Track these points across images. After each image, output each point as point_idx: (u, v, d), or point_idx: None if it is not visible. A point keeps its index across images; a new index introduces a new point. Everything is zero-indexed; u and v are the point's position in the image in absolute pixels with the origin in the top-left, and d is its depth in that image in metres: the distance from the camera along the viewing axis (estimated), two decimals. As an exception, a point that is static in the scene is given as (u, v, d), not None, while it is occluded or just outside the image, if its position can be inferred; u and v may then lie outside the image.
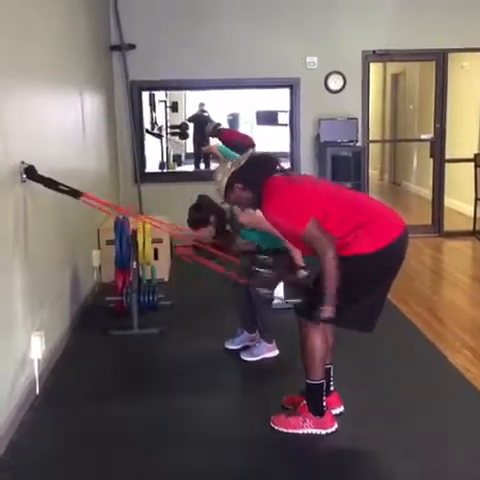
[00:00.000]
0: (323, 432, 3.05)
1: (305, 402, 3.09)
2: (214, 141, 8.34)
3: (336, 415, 3.15)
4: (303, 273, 3.71)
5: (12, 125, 3.27)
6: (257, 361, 3.98)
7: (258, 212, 3.71)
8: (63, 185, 3.58)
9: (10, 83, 3.30)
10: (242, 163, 3.06)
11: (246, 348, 4.09)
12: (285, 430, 3.07)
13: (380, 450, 2.96)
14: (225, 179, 3.05)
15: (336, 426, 3.07)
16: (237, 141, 9.10)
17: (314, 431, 3.05)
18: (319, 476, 2.81)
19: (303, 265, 3.74)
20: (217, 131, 7.88)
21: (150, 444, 3.03)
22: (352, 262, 2.86)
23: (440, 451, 2.94)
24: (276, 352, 4.04)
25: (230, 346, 4.17)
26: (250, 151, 3.18)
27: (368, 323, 3.03)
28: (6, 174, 3.18)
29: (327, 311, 2.84)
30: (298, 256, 3.73)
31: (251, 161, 3.08)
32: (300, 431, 3.05)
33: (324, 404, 3.07)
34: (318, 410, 3.06)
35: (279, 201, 2.95)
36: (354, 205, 3.00)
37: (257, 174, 3.03)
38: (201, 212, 3.95)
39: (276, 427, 3.10)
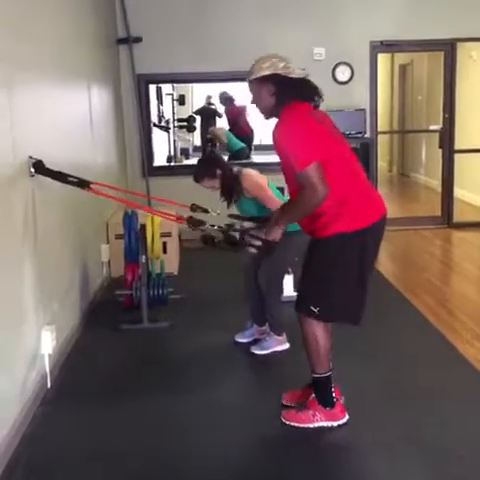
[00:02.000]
0: (335, 424, 3.05)
1: (314, 396, 3.08)
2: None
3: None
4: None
5: (20, 120, 3.26)
6: (267, 354, 3.98)
7: (260, 177, 3.87)
8: (71, 176, 3.57)
9: (17, 77, 3.30)
10: (291, 74, 2.94)
11: (256, 341, 4.09)
12: (296, 425, 3.07)
13: (386, 444, 2.93)
14: (266, 72, 2.90)
15: (347, 417, 3.07)
16: (237, 124, 9.02)
17: (325, 424, 3.04)
18: (322, 470, 2.80)
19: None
20: (228, 101, 7.69)
21: (161, 438, 3.04)
22: (333, 242, 2.87)
23: (449, 446, 2.91)
24: (286, 345, 4.03)
25: (240, 339, 4.16)
26: (305, 71, 3.07)
27: (353, 313, 2.99)
28: (15, 169, 3.18)
29: (273, 232, 2.89)
30: None
31: (300, 79, 2.97)
32: (311, 425, 3.05)
33: (333, 395, 3.06)
34: (328, 402, 3.05)
35: (292, 128, 2.86)
36: (352, 177, 2.95)
37: (294, 92, 2.93)
38: (208, 163, 4.01)
39: (287, 422, 3.09)
